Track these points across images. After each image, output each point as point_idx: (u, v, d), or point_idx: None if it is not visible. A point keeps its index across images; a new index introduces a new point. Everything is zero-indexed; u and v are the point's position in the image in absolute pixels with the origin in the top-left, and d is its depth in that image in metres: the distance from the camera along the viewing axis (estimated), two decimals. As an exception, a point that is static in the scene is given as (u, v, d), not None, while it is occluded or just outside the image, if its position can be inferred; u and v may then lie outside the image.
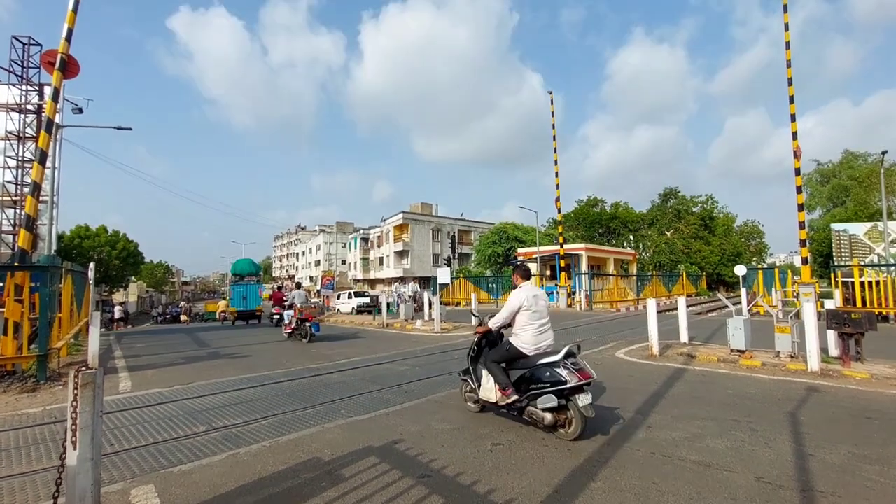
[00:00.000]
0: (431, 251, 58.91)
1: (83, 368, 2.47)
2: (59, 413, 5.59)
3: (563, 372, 4.11)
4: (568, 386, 4.03)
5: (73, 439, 2.38)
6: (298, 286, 9.69)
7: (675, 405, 5.37)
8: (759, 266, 39.42)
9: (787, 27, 15.79)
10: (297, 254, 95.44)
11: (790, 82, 15.47)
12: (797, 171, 15.69)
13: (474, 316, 5.58)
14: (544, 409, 4.15)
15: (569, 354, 4.27)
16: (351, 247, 73.50)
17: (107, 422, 5.08)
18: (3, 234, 15.31)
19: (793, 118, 15.46)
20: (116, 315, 29.57)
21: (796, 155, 15.51)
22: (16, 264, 8.21)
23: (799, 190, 15.80)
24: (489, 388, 4.63)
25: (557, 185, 26.17)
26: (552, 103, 26.14)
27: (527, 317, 4.54)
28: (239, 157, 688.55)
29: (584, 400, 4.06)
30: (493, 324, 4.74)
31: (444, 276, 19.52)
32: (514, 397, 4.36)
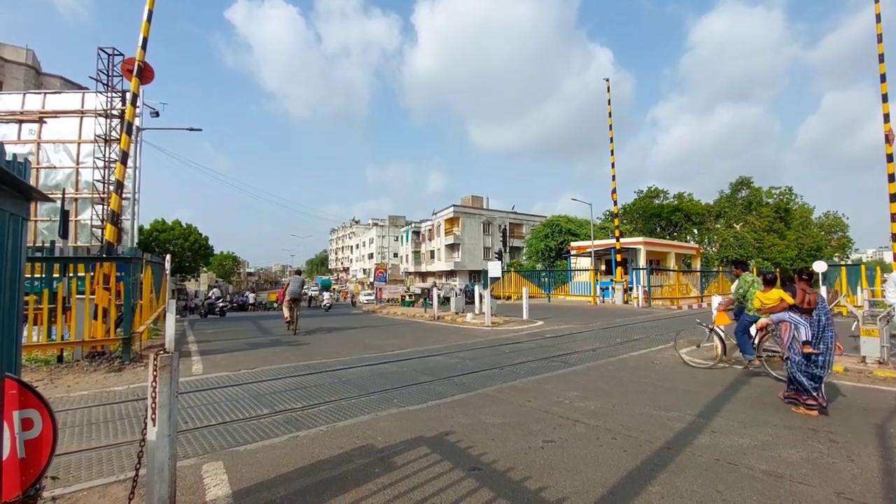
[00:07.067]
0: (482, 244, 58.80)
1: (161, 352, 2.68)
2: (140, 391, 6.13)
3: None
4: None
5: (153, 416, 2.59)
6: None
7: (743, 410, 5.03)
8: (843, 262, 36.00)
9: (878, -3, 14.46)
10: (352, 247, 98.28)
11: (881, 59, 14.17)
12: (889, 158, 14.30)
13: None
14: None
15: None
16: (403, 240, 74.77)
17: (181, 401, 5.50)
18: (93, 229, 16.89)
19: (884, 98, 14.34)
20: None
21: (888, 139, 14.23)
22: (104, 256, 9.08)
23: (891, 178, 14.35)
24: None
25: (614, 177, 25.23)
26: (608, 91, 25.27)
27: None
28: (296, 150, 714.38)
29: None
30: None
31: (495, 269, 19.40)
32: None
